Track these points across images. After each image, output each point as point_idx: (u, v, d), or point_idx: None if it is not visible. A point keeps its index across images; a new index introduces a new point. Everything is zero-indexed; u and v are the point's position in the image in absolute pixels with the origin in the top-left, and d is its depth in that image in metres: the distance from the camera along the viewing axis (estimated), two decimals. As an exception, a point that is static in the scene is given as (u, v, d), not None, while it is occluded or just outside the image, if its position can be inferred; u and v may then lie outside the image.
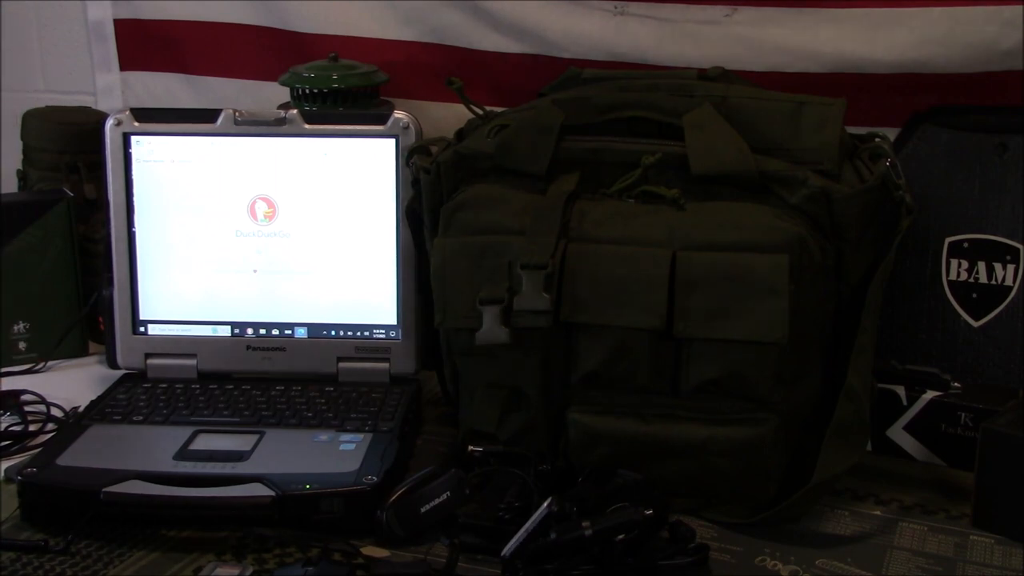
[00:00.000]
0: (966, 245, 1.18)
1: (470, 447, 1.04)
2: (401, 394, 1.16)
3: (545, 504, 0.92)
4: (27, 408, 1.21)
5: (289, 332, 1.21)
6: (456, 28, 1.39)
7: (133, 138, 1.19)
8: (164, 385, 1.18)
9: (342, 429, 1.09)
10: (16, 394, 1.23)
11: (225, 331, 1.21)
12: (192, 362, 1.20)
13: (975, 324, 1.18)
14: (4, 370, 1.31)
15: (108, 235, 1.20)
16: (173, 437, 1.06)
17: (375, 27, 1.44)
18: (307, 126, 1.18)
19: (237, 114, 1.19)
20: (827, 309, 1.02)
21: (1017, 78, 1.15)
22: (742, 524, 0.99)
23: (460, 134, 1.15)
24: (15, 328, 1.34)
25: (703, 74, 1.13)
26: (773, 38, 1.24)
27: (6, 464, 1.07)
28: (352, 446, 1.05)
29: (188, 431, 1.08)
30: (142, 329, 1.21)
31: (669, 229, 0.98)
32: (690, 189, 1.02)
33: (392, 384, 1.18)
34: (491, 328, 0.98)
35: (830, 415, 0.99)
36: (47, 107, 1.48)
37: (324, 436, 1.08)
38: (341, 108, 1.32)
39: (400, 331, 1.20)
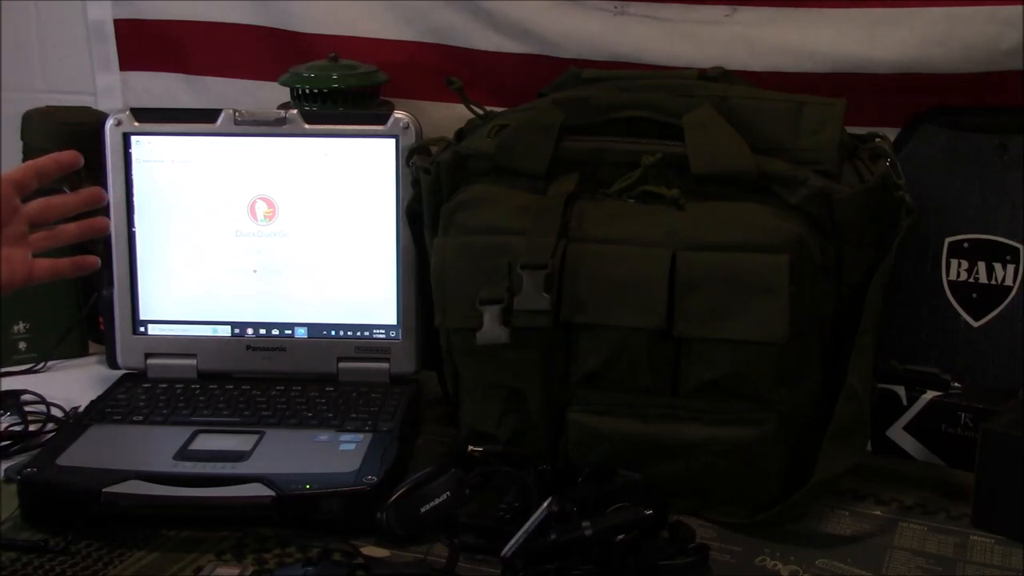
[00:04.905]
0: (966, 245, 1.18)
1: (470, 447, 1.04)
2: (401, 394, 1.16)
3: (545, 504, 0.92)
4: (27, 408, 1.21)
5: (289, 332, 1.21)
6: (456, 28, 1.39)
7: (133, 138, 1.19)
8: (164, 385, 1.18)
9: (342, 429, 1.09)
10: (16, 394, 1.23)
11: (225, 331, 1.21)
12: (192, 362, 1.20)
13: (975, 324, 1.18)
14: (4, 370, 1.31)
15: (108, 235, 1.20)
16: (173, 437, 1.06)
17: (375, 27, 1.44)
18: (307, 126, 1.18)
19: (237, 114, 1.19)
20: (827, 309, 1.02)
21: (1017, 78, 1.15)
22: (742, 524, 0.99)
23: (460, 134, 1.15)
24: (15, 328, 1.34)
25: (703, 74, 1.13)
26: (773, 38, 1.24)
27: (6, 464, 1.08)
28: (352, 446, 1.05)
29: (188, 431, 1.08)
30: (142, 329, 1.21)
31: (669, 229, 0.98)
32: (690, 189, 1.02)
33: (392, 384, 1.18)
34: (491, 328, 0.98)
35: (830, 415, 0.99)
36: (47, 107, 1.48)
37: (324, 436, 1.08)
38: (341, 108, 1.32)
39: (400, 331, 1.20)
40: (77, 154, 1.00)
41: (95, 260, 1.05)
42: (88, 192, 1.02)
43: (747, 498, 1.01)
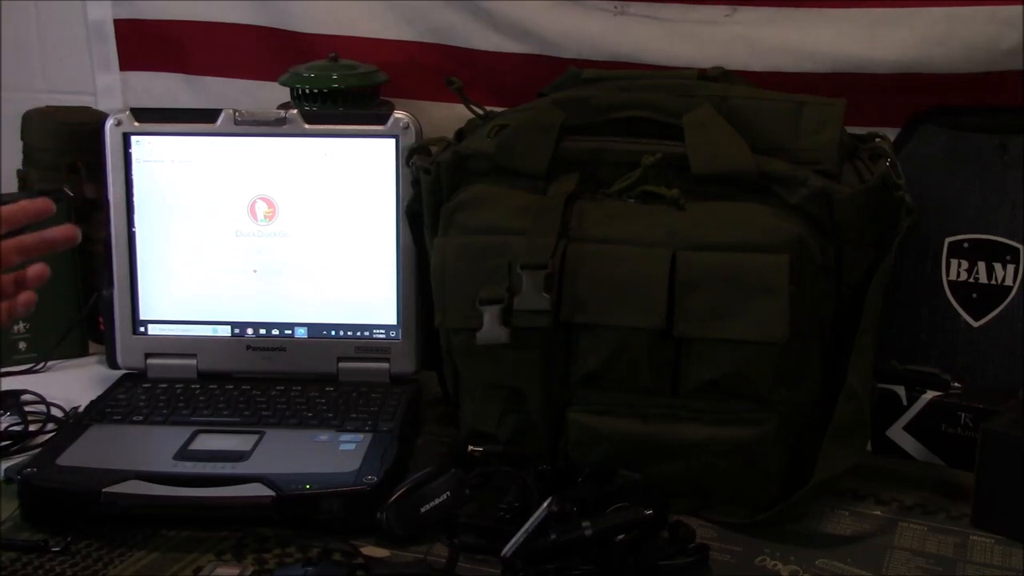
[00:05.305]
0: (966, 245, 1.18)
1: (470, 447, 1.04)
2: (401, 394, 1.16)
3: (545, 504, 0.92)
4: (27, 408, 1.21)
5: (289, 332, 1.21)
6: (456, 28, 1.39)
7: (133, 138, 1.19)
8: (164, 385, 1.18)
9: (342, 429, 1.09)
10: (16, 394, 1.23)
11: (225, 331, 1.21)
12: (192, 362, 1.20)
13: (975, 324, 1.18)
14: (4, 370, 1.31)
15: (108, 235, 1.20)
16: (173, 437, 1.06)
17: (375, 27, 1.44)
18: (307, 126, 1.18)
19: (237, 114, 1.19)
20: (827, 309, 1.02)
21: (1017, 78, 1.15)
22: (742, 524, 0.99)
23: (460, 134, 1.15)
24: (15, 328, 1.34)
25: (703, 74, 1.13)
26: (773, 38, 1.24)
27: (6, 464, 1.07)
28: (352, 446, 1.05)
29: (188, 431, 1.08)
30: (142, 329, 1.21)
31: (669, 229, 0.98)
32: (690, 189, 1.02)
33: (392, 384, 1.18)
34: (491, 328, 0.98)
35: (830, 415, 0.99)
36: (47, 107, 1.48)
37: (324, 436, 1.08)
38: (341, 108, 1.32)
39: (400, 331, 1.20)
40: (49, 202, 0.95)
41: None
42: (59, 233, 0.96)
43: (747, 498, 1.01)
